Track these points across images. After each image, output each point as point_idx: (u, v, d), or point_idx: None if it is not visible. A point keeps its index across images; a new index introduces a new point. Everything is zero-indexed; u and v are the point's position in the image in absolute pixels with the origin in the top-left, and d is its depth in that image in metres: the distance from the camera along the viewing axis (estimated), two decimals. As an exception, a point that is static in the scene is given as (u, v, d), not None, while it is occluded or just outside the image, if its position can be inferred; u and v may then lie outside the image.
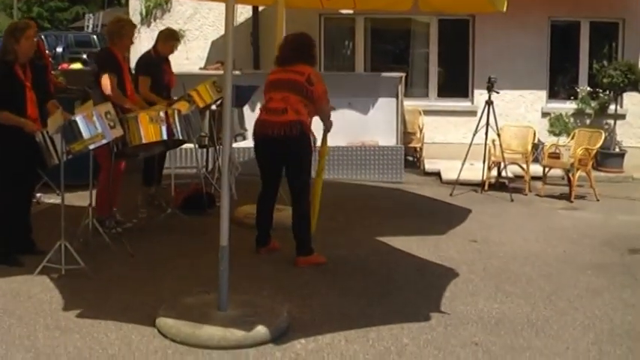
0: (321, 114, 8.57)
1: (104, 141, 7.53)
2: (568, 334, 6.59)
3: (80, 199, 8.89)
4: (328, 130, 8.86)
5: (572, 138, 13.74)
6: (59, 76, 13.16)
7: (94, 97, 8.81)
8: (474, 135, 12.62)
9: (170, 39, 10.66)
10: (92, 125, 7.37)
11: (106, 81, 8.87)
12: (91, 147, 7.47)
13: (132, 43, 9.68)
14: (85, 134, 7.34)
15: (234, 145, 11.18)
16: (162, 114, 8.36)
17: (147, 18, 15.72)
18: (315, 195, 8.85)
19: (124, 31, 9.23)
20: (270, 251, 8.67)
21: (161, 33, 10.81)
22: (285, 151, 8.26)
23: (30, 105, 7.82)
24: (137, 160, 10.09)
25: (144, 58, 10.52)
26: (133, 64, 10.96)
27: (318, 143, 8.83)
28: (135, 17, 15.72)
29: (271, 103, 8.32)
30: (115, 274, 7.68)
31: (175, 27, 15.24)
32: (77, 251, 7.54)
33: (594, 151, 13.35)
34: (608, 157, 15.19)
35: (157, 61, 10.45)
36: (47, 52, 13.60)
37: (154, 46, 10.64)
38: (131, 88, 9.32)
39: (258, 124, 8.42)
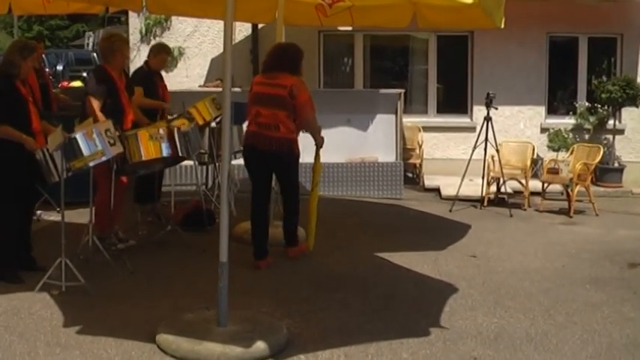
0: (307, 125, 8.81)
1: (104, 158, 7.57)
2: (567, 348, 6.61)
3: (80, 216, 8.92)
4: (320, 146, 9.05)
5: (571, 153, 13.77)
6: (61, 93, 13.23)
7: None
8: (473, 151, 12.66)
9: (160, 52, 10.71)
10: (92, 142, 7.42)
11: (90, 104, 8.80)
12: (91, 164, 7.52)
13: (126, 58, 9.62)
14: (85, 151, 7.39)
15: (234, 162, 11.21)
16: (162, 131, 8.40)
17: (147, 36, 15.76)
18: (311, 211, 9.09)
19: (115, 47, 9.08)
20: (270, 265, 8.80)
21: (152, 47, 10.90)
22: (275, 164, 8.69)
23: (34, 119, 7.88)
24: (136, 179, 10.11)
25: (137, 73, 10.58)
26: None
27: (308, 159, 9.16)
28: (135, 35, 15.77)
29: (261, 118, 8.61)
30: (115, 290, 7.70)
31: (175, 44, 15.38)
32: (77, 268, 7.56)
33: (593, 166, 13.37)
34: (607, 172, 15.21)
35: (149, 74, 10.50)
36: (47, 69, 13.66)
37: (146, 61, 10.70)
38: (128, 105, 9.12)
39: (250, 135, 8.76)
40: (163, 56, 10.77)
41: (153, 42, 14.15)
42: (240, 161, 11.32)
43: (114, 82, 8.98)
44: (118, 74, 9.13)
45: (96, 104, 8.74)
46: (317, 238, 9.37)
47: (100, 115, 8.62)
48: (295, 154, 8.74)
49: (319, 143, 9.01)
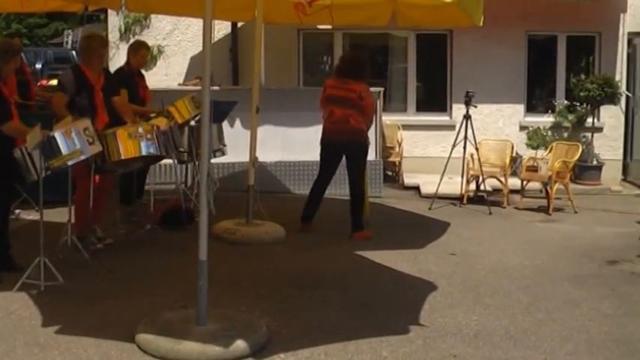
0: (369, 123, 10.51)
1: (83, 157, 7.53)
2: (546, 345, 6.62)
3: (59, 215, 8.87)
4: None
5: (550, 151, 13.82)
6: (40, 91, 13.15)
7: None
8: (453, 149, 12.69)
9: (140, 49, 10.70)
10: (71, 141, 7.38)
11: (55, 99, 8.81)
12: (70, 163, 7.48)
13: (101, 59, 9.59)
14: (64, 150, 7.35)
15: (213, 160, 11.21)
16: (140, 130, 8.36)
17: (126, 34, 15.71)
18: (365, 191, 10.65)
19: (93, 46, 9.04)
20: (311, 229, 10.41)
21: (130, 46, 10.88)
22: (348, 151, 10.23)
23: (16, 119, 7.84)
24: (115, 177, 10.06)
25: (117, 73, 10.47)
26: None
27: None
28: (114, 34, 15.73)
29: (334, 116, 10.18)
30: (94, 290, 7.66)
31: (154, 43, 15.34)
32: (56, 267, 7.53)
33: (572, 164, 13.42)
34: (585, 169, 15.28)
35: (130, 75, 10.45)
36: (27, 68, 13.59)
37: (127, 61, 10.66)
38: (102, 105, 9.01)
39: (327, 133, 10.29)
40: (143, 52, 10.75)
41: (132, 40, 14.07)
42: (220, 160, 11.39)
43: (88, 81, 8.93)
44: (96, 74, 9.05)
45: (63, 99, 8.75)
46: (294, 236, 9.76)
47: (64, 111, 8.55)
48: (366, 143, 10.31)
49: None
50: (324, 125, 10.36)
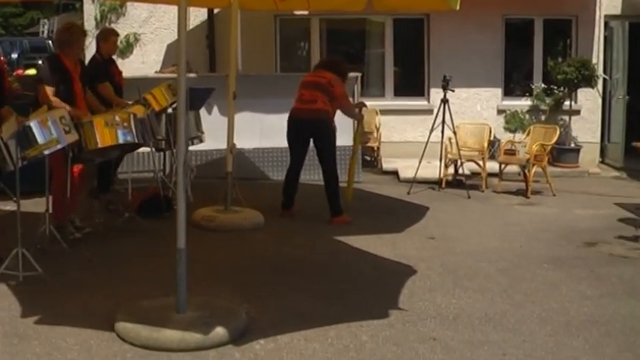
0: (343, 110, 10.65)
1: (59, 146, 7.49)
2: (525, 327, 6.66)
3: (37, 205, 8.83)
4: (360, 120, 11.18)
5: (528, 134, 13.87)
6: (14, 82, 13.07)
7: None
8: (431, 133, 12.69)
9: (110, 36, 10.63)
10: (47, 130, 7.33)
11: (42, 92, 8.73)
12: (46, 152, 7.43)
13: (82, 50, 9.59)
14: (40, 140, 7.30)
15: (191, 147, 11.18)
16: (117, 118, 8.32)
17: (102, 22, 15.63)
18: (351, 169, 11.16)
19: (73, 38, 9.03)
20: (292, 215, 10.54)
21: (100, 34, 10.80)
22: (313, 132, 10.34)
23: None
24: (92, 166, 10.02)
25: (91, 66, 10.37)
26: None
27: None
28: (89, 22, 15.66)
29: (303, 97, 10.41)
30: (73, 279, 7.64)
31: (130, 31, 15.35)
32: (35, 258, 7.48)
33: (550, 147, 13.47)
34: (563, 152, 15.35)
35: (103, 64, 10.40)
36: (2, 58, 13.50)
37: (98, 50, 10.59)
38: (81, 95, 9.04)
39: (294, 111, 10.45)
40: (114, 39, 10.68)
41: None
42: (197, 147, 11.38)
43: (67, 70, 8.92)
44: (73, 64, 9.05)
45: (50, 91, 8.68)
46: (272, 222, 9.85)
47: (55, 100, 8.57)
48: (330, 122, 10.38)
49: (358, 119, 11.14)
50: (292, 106, 10.53)
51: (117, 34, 10.96)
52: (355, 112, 10.96)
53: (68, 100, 8.68)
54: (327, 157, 10.40)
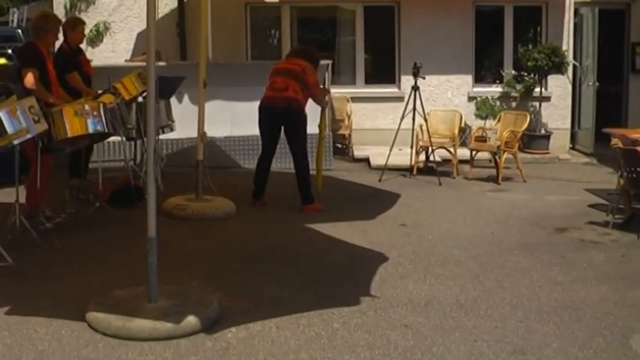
0: (314, 98, 10.58)
1: (29, 136, 7.47)
2: (497, 314, 6.70)
3: (7, 195, 8.78)
4: (324, 108, 11.02)
5: (499, 121, 13.92)
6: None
7: (17, 92, 8.72)
8: (402, 120, 12.72)
9: (78, 25, 10.55)
10: (16, 120, 7.31)
11: (28, 76, 8.75)
12: (16, 142, 7.40)
13: (57, 38, 9.64)
14: (9, 129, 7.27)
15: (162, 136, 11.16)
16: (87, 107, 8.30)
17: (71, 11, 15.54)
18: (318, 157, 10.99)
19: (49, 26, 9.18)
20: (263, 204, 10.59)
21: (66, 23, 10.68)
22: (284, 120, 10.35)
23: None
24: (63, 155, 9.96)
25: (60, 56, 10.32)
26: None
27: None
28: (59, 10, 15.53)
29: (275, 84, 10.39)
30: (43, 269, 7.61)
31: (100, 19, 15.30)
32: (5, 248, 7.46)
33: (520, 134, 13.53)
34: (534, 139, 15.43)
35: (71, 54, 10.34)
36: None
37: (65, 39, 10.51)
38: (56, 83, 9.18)
39: (265, 99, 10.44)
40: (81, 28, 10.60)
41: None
42: (168, 136, 11.36)
43: (44, 58, 9.02)
44: (47, 52, 9.18)
45: (35, 75, 8.74)
46: (244, 211, 9.96)
47: (41, 86, 8.68)
48: (302, 111, 10.39)
49: (323, 106, 10.96)
50: (264, 94, 10.53)
51: (84, 23, 10.89)
52: (324, 100, 10.97)
53: (45, 88, 8.77)
54: (298, 145, 10.42)
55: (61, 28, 9.95)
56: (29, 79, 8.70)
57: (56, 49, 10.74)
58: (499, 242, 9.10)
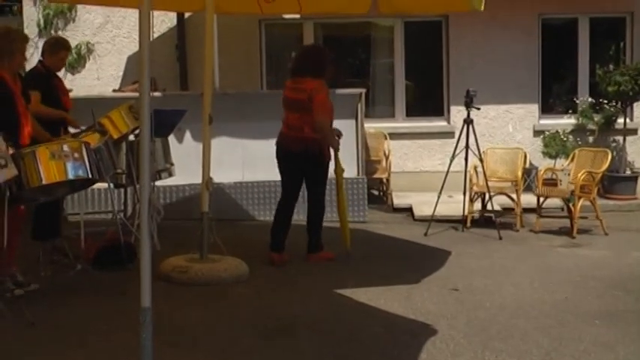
0: (317, 124, 10.31)
1: (-7, 183, 7.50)
2: (573, 401, 6.66)
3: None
4: (336, 149, 10.76)
5: (572, 160, 13.87)
6: None
7: None
8: (452, 161, 12.71)
9: (59, 49, 10.63)
10: (-24, 165, 7.34)
11: None
12: (-22, 191, 7.44)
13: (25, 60, 9.58)
14: (-30, 176, 7.31)
15: (158, 183, 11.19)
16: (66, 147, 8.32)
17: (46, 29, 15.68)
18: (342, 214, 11.02)
19: (14, 47, 8.95)
20: (283, 263, 10.56)
21: (46, 43, 10.77)
22: (303, 165, 10.52)
23: None
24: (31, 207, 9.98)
25: (32, 74, 10.41)
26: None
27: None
28: (31, 28, 15.66)
29: (289, 121, 10.56)
30: (10, 347, 7.58)
31: (82, 39, 15.38)
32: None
33: (600, 175, 13.46)
34: (617, 181, 15.37)
35: (47, 76, 10.41)
36: None
37: (41, 60, 10.59)
38: (27, 116, 8.98)
39: (281, 137, 10.63)
40: (62, 54, 10.70)
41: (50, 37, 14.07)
42: (165, 182, 11.38)
43: (8, 86, 8.82)
44: (13, 78, 8.99)
45: None
46: (259, 273, 9.83)
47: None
48: (323, 153, 10.52)
49: (334, 147, 10.71)
50: (280, 130, 10.70)
51: (68, 48, 10.96)
52: (331, 138, 10.67)
53: (10, 124, 8.57)
54: (316, 184, 10.70)
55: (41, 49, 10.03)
56: None
57: (27, 70, 10.81)
58: (575, 310, 9.03)
